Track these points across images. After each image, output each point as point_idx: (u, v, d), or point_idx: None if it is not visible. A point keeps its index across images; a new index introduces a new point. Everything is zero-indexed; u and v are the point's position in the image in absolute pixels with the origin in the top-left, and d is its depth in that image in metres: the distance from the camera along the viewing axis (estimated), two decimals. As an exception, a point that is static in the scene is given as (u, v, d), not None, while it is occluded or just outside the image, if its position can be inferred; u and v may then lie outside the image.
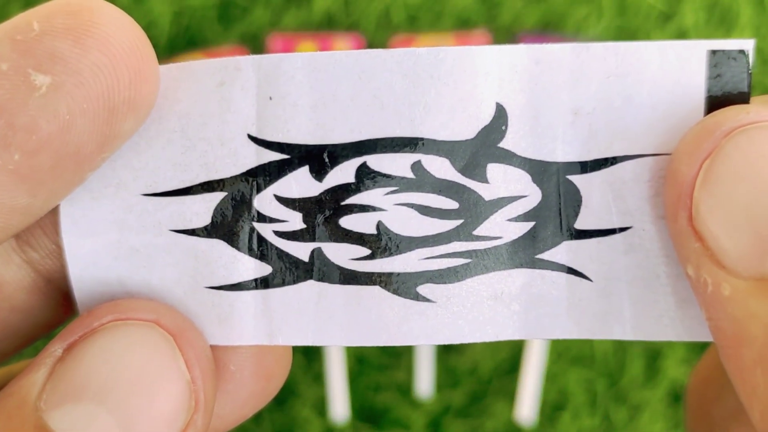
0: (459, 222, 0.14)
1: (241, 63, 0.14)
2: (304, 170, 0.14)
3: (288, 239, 0.14)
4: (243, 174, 0.14)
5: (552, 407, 0.49)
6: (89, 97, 0.12)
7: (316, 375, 0.48)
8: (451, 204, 0.14)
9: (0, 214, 0.12)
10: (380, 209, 0.14)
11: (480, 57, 0.13)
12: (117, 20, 0.12)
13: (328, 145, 0.14)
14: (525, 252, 0.14)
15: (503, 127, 0.14)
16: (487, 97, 0.13)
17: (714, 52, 0.13)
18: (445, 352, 0.49)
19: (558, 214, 0.14)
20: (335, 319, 0.14)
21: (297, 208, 0.14)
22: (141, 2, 0.50)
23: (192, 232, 0.14)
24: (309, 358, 0.49)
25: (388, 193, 0.14)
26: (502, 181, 0.14)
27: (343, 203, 0.14)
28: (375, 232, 0.14)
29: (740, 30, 0.51)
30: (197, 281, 0.14)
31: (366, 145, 0.14)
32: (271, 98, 0.14)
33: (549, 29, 0.51)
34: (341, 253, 0.14)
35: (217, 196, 0.14)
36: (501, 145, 0.14)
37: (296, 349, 0.48)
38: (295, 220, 0.14)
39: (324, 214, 0.14)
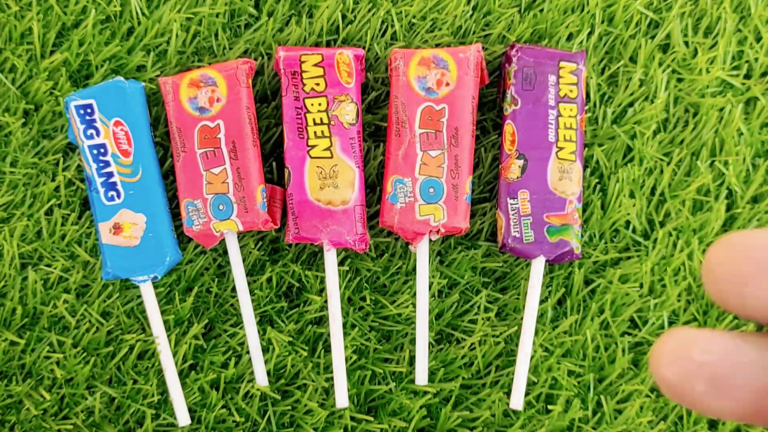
0: None
1: None
2: None
3: None
4: None
5: (543, 400, 0.50)
6: None
7: (317, 365, 0.50)
8: None
9: None
10: None
11: None
12: None
13: None
14: None
15: None
16: None
17: None
18: (443, 342, 0.51)
19: None
20: None
21: None
22: (153, 11, 0.51)
23: None
24: (313, 349, 0.50)
25: None
26: None
27: None
28: None
29: (725, 37, 0.53)
30: None
31: None
32: None
33: (541, 38, 0.52)
34: None
35: None
36: None
37: (300, 342, 0.50)
38: None
39: None
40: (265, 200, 0.48)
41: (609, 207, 0.51)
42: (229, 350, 0.50)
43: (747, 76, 0.53)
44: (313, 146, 0.48)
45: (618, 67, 0.53)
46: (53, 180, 0.50)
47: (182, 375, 0.49)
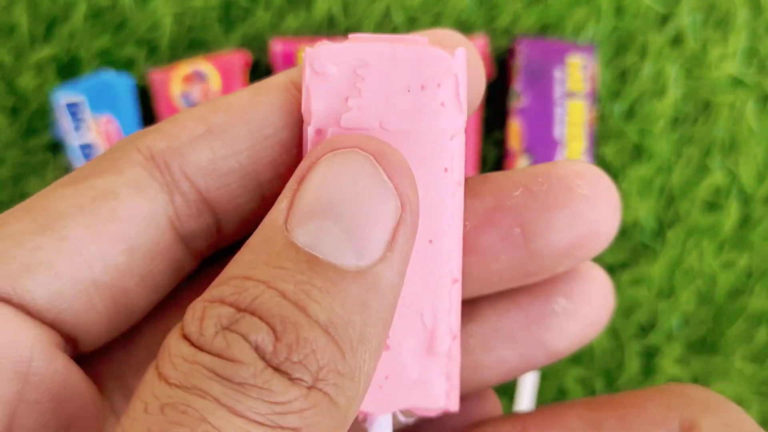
0: None
1: None
2: None
3: None
4: None
5: (550, 405, 0.49)
6: None
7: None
8: None
9: None
10: None
11: None
12: None
13: None
14: None
15: None
16: None
17: None
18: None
19: None
20: None
21: None
22: (145, 3, 0.50)
23: None
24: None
25: None
26: None
27: None
28: None
29: (736, 31, 0.51)
30: None
31: None
32: None
33: (547, 31, 0.51)
34: None
35: None
36: None
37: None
38: None
39: None
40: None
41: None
42: None
43: (759, 72, 0.52)
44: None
45: (626, 62, 0.51)
46: (42, 178, 0.49)
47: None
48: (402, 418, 0.18)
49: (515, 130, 0.47)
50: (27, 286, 0.15)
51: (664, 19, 0.52)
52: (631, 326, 0.49)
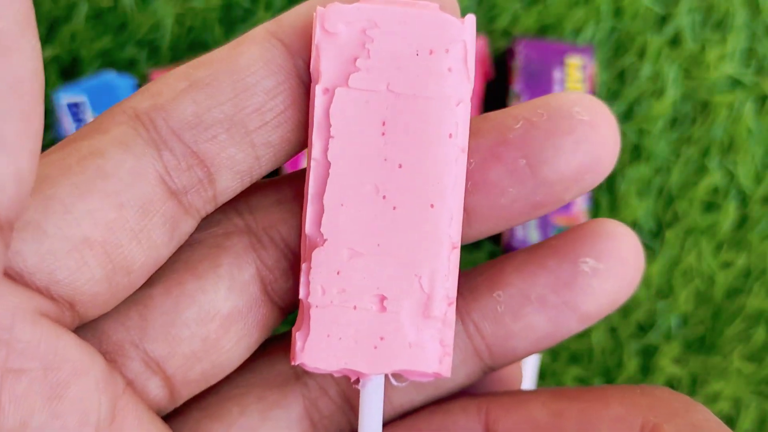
0: None
1: None
2: None
3: None
4: None
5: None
6: None
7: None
8: None
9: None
10: None
11: None
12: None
13: None
14: None
15: None
16: None
17: None
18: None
19: None
20: None
21: None
22: (146, 4, 0.50)
23: None
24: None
25: None
26: None
27: None
28: None
29: (734, 32, 0.51)
30: None
31: None
32: None
33: (546, 32, 0.51)
34: None
35: None
36: None
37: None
38: None
39: None
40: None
41: (617, 207, 0.50)
42: None
43: (757, 73, 0.52)
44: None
45: (625, 63, 0.51)
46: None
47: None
48: (393, 382, 0.18)
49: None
50: (15, 246, 0.15)
51: (663, 20, 0.52)
52: (630, 325, 0.49)
